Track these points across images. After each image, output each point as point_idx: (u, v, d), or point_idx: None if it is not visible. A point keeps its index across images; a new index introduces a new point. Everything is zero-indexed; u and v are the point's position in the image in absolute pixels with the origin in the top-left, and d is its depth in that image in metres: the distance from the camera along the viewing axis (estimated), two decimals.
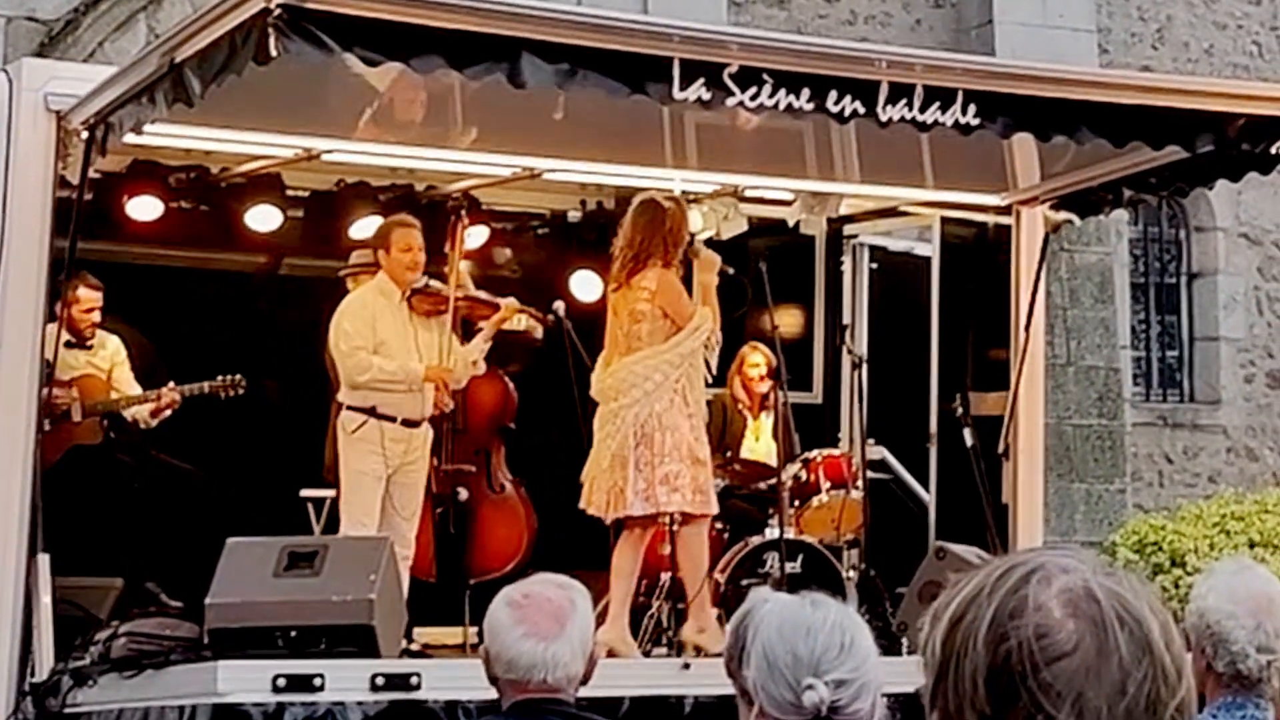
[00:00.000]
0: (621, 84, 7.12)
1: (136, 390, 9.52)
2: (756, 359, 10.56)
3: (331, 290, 9.64)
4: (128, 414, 9.49)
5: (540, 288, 10.38)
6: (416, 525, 9.08)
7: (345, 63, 6.95)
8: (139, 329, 9.91)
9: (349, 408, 8.96)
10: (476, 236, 10.45)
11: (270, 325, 10.62)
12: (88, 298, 9.39)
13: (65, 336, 9.23)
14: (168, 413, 9.41)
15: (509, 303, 9.47)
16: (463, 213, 9.85)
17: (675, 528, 8.81)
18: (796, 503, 9.93)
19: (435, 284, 9.24)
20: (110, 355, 9.56)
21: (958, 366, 10.65)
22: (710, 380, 9.12)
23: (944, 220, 10.73)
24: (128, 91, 7.52)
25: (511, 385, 10.16)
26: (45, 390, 8.27)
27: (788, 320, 10.80)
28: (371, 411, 8.92)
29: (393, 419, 8.93)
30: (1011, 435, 9.83)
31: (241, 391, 9.38)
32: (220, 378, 9.37)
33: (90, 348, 9.48)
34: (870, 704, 3.11)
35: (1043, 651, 1.78)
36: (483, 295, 9.54)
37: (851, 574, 9.76)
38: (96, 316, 9.47)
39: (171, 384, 9.38)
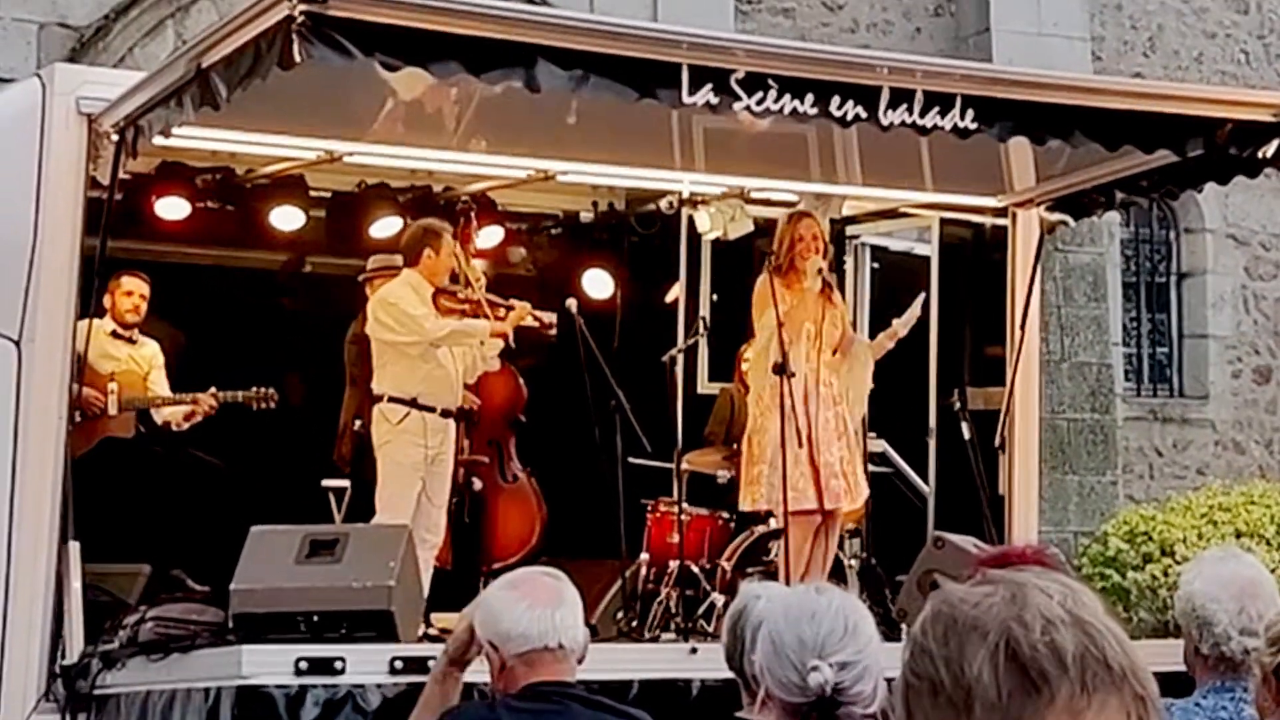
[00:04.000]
0: (632, 89, 7.22)
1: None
2: None
3: (352, 289, 9.81)
4: (158, 417, 9.56)
5: (553, 286, 10.55)
6: (445, 513, 9.21)
7: (367, 68, 7.09)
8: (167, 323, 9.99)
9: (391, 399, 9.02)
10: (491, 236, 10.65)
11: (292, 321, 10.77)
12: (134, 285, 9.53)
13: (110, 327, 9.40)
14: (200, 417, 9.49)
15: (523, 305, 9.70)
16: (471, 215, 10.02)
17: None
18: None
19: (452, 285, 9.38)
20: (149, 357, 9.65)
21: (956, 363, 10.73)
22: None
23: (943, 221, 10.80)
24: (156, 95, 7.62)
25: (521, 379, 10.30)
26: (76, 385, 8.32)
27: None
28: (413, 403, 8.99)
29: (432, 409, 9.02)
30: (1007, 429, 9.91)
31: (273, 405, 9.47)
32: (255, 389, 9.47)
33: (134, 342, 9.58)
34: (872, 686, 3.26)
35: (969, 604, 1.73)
36: (497, 299, 9.76)
37: (853, 562, 9.85)
38: (141, 304, 9.57)
39: (213, 389, 9.46)
